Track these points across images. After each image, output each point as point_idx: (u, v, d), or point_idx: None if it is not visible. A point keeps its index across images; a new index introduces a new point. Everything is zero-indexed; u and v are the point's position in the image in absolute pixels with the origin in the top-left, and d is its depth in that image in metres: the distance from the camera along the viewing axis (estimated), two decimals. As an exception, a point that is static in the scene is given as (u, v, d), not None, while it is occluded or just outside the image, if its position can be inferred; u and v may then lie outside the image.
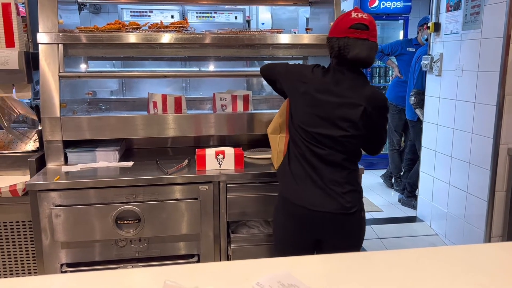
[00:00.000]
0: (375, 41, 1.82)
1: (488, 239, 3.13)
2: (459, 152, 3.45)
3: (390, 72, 6.01)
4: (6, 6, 2.19)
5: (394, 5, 5.63)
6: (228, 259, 2.23)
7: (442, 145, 3.69)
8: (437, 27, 3.72)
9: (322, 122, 1.83)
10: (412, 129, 4.53)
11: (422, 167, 4.08)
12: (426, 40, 4.38)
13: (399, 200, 4.68)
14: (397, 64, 5.00)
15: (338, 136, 1.82)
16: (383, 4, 5.61)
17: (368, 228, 3.81)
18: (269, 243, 2.21)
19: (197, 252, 2.22)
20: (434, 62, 3.76)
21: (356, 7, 1.87)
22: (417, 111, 4.21)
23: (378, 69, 6.09)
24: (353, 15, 1.79)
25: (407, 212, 4.39)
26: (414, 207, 4.36)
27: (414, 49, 4.76)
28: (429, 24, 3.78)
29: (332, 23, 2.51)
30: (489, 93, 3.06)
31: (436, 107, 3.78)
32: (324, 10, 2.74)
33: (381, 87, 6.13)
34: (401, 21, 5.82)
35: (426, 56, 3.87)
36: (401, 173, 5.00)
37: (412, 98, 4.22)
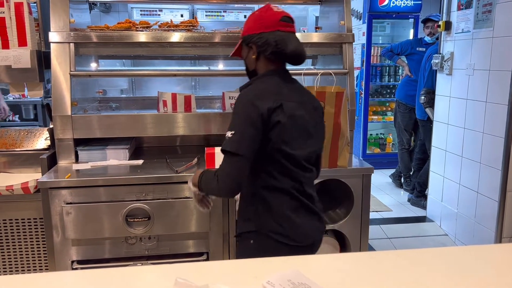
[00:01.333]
0: None
1: (499, 239, 3.10)
2: (469, 152, 3.42)
3: (400, 71, 5.98)
4: (18, 6, 2.21)
5: (404, 3, 5.59)
6: (236, 257, 2.24)
7: (453, 145, 3.66)
8: (448, 25, 3.68)
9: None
10: (422, 128, 4.50)
11: (432, 166, 4.05)
12: (432, 36, 4.38)
13: (409, 200, 4.65)
14: (407, 63, 4.97)
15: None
16: (393, 2, 5.57)
17: (377, 227, 3.82)
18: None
19: (206, 250, 2.23)
20: (444, 61, 3.73)
21: (268, 3, 1.69)
22: (427, 110, 4.18)
23: (388, 67, 6.06)
24: (275, 9, 1.63)
25: (417, 212, 4.36)
26: (423, 207, 4.33)
27: (424, 49, 4.72)
28: (440, 23, 3.75)
29: (342, 22, 2.51)
30: (500, 92, 3.03)
31: (446, 106, 3.74)
32: (333, 9, 2.73)
33: (391, 86, 6.09)
34: (411, 20, 5.78)
35: (436, 55, 3.84)
36: (411, 173, 4.97)
37: (423, 97, 4.19)
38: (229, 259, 2.24)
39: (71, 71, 2.27)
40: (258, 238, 1.60)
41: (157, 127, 2.39)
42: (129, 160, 2.36)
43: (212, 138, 2.69)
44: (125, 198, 2.08)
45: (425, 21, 4.68)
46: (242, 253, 1.69)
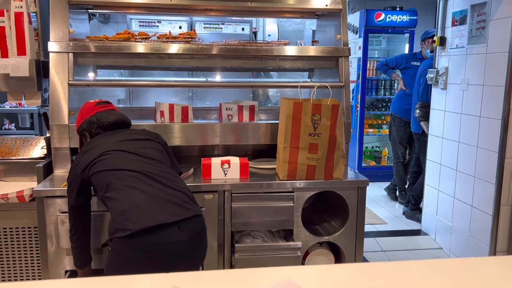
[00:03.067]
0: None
1: (493, 253, 3.11)
2: (464, 166, 3.44)
3: (395, 85, 6.04)
4: (18, 15, 2.24)
5: (400, 18, 5.67)
6: (232, 268, 2.23)
7: (447, 158, 3.69)
8: (442, 41, 3.74)
9: None
10: (417, 142, 4.53)
11: (426, 180, 4.07)
12: (431, 52, 4.40)
13: (404, 213, 4.66)
14: (401, 77, 5.02)
15: None
16: (389, 17, 5.65)
17: (372, 240, 3.82)
18: (273, 254, 2.21)
19: (201, 261, 2.22)
20: (439, 76, 3.77)
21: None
22: (422, 124, 4.21)
23: (383, 81, 6.12)
24: (92, 100, 2.12)
25: (412, 225, 4.37)
26: (418, 220, 4.33)
27: (418, 63, 4.77)
28: (435, 38, 3.81)
29: (339, 36, 2.55)
30: (494, 107, 3.06)
31: (441, 120, 3.78)
32: (330, 23, 2.77)
33: (386, 99, 6.15)
34: (407, 35, 5.86)
35: (431, 69, 3.89)
36: (406, 186, 4.98)
37: (417, 111, 4.23)
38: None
39: (69, 80, 2.29)
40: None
41: (154, 137, 2.39)
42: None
43: (208, 149, 2.70)
44: (120, 208, 2.07)
45: (432, 37, 4.62)
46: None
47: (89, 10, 2.79)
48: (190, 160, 2.55)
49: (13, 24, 2.23)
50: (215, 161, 2.24)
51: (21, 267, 2.34)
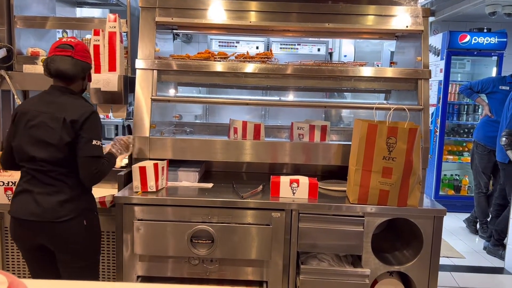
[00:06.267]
0: (83, 60, 2.04)
1: None
2: (558, 201, 3.12)
3: (479, 110, 5.67)
4: (112, 35, 2.44)
5: (487, 40, 5.35)
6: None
7: (538, 192, 3.37)
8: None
9: None
10: (502, 172, 4.19)
11: (513, 214, 3.74)
12: None
13: (485, 248, 4.31)
14: (487, 102, 4.71)
15: None
16: (475, 39, 5.35)
17: (447, 274, 3.58)
18: (340, 279, 2.15)
19: (265, 279, 2.22)
20: (531, 102, 3.49)
21: (73, 36, 1.97)
22: (509, 152, 3.90)
23: (466, 106, 5.78)
24: (64, 39, 2.06)
25: (493, 262, 4.02)
26: (501, 257, 3.99)
27: (508, 87, 4.45)
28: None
29: (419, 58, 2.47)
30: None
31: (531, 150, 3.47)
32: (410, 44, 2.68)
33: (469, 125, 5.79)
34: (495, 58, 5.49)
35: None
36: (488, 219, 4.61)
37: (504, 138, 3.93)
38: (288, 290, 2.21)
39: (152, 95, 2.44)
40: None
41: (227, 153, 2.46)
42: (198, 182, 2.44)
43: (277, 167, 2.71)
44: (191, 219, 2.15)
45: None
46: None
47: (174, 31, 2.97)
48: (259, 177, 2.58)
49: (107, 43, 2.43)
50: (284, 180, 2.24)
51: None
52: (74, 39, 2.08)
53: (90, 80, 2.23)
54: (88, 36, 2.59)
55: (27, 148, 1.95)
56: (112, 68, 2.46)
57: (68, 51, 1.99)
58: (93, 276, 2.13)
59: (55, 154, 1.94)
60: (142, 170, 2.20)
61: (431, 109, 5.58)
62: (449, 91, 5.60)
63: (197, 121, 3.93)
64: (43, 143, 1.94)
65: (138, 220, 2.14)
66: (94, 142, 1.97)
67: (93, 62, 2.46)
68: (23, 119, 1.98)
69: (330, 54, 5.78)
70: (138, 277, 2.22)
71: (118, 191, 2.30)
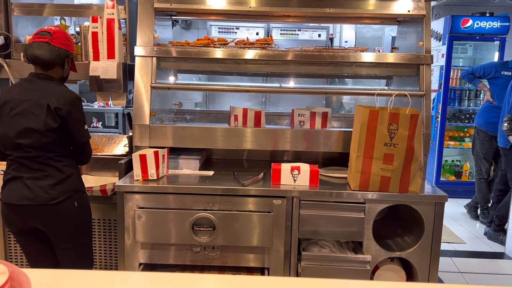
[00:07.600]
0: (61, 47, 2.05)
1: None
2: (559, 187, 3.12)
3: (481, 95, 5.64)
4: (110, 22, 2.41)
5: (490, 25, 5.29)
6: (297, 276, 2.21)
7: (539, 178, 3.36)
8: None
9: None
10: (504, 158, 4.19)
11: (514, 199, 3.75)
12: None
13: (485, 233, 4.33)
14: (489, 87, 4.68)
15: None
16: (477, 24, 5.29)
17: (448, 260, 3.60)
18: (341, 265, 2.15)
19: (267, 266, 2.23)
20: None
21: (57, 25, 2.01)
22: (511, 138, 3.89)
23: (468, 91, 5.74)
24: (46, 27, 2.09)
25: (494, 247, 4.04)
26: (502, 242, 4.00)
27: (510, 73, 4.42)
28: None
29: (421, 43, 2.44)
30: None
31: (533, 136, 3.46)
32: (412, 29, 2.65)
33: (470, 110, 5.76)
34: (497, 42, 5.44)
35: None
36: (489, 204, 4.62)
37: (505, 124, 3.91)
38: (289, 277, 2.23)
39: (152, 83, 2.42)
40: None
41: (227, 140, 2.45)
42: (199, 170, 2.44)
43: (278, 154, 2.71)
44: (192, 207, 2.15)
45: None
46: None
47: (173, 17, 2.93)
48: (260, 165, 2.57)
49: (105, 30, 2.41)
50: (285, 167, 2.23)
51: (101, 256, 2.50)
52: (55, 27, 2.10)
53: (74, 69, 2.24)
54: (86, 23, 2.56)
55: (13, 136, 1.97)
56: (111, 55, 2.44)
57: (46, 37, 2.03)
58: (87, 254, 2.19)
59: (41, 139, 1.96)
60: (143, 158, 2.19)
61: (433, 95, 5.55)
62: (451, 76, 5.56)
63: (197, 108, 3.92)
64: (28, 130, 1.95)
65: (140, 208, 2.15)
66: (86, 126, 2.11)
67: (91, 50, 2.44)
68: (6, 108, 1.99)
69: (331, 39, 5.73)
70: (140, 264, 2.23)
71: (119, 179, 2.30)
